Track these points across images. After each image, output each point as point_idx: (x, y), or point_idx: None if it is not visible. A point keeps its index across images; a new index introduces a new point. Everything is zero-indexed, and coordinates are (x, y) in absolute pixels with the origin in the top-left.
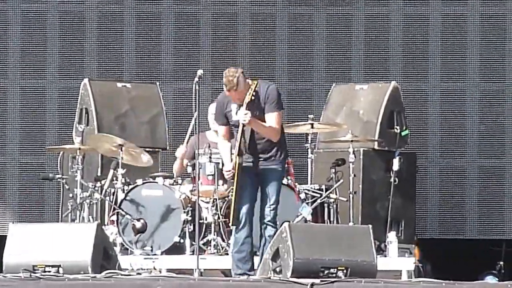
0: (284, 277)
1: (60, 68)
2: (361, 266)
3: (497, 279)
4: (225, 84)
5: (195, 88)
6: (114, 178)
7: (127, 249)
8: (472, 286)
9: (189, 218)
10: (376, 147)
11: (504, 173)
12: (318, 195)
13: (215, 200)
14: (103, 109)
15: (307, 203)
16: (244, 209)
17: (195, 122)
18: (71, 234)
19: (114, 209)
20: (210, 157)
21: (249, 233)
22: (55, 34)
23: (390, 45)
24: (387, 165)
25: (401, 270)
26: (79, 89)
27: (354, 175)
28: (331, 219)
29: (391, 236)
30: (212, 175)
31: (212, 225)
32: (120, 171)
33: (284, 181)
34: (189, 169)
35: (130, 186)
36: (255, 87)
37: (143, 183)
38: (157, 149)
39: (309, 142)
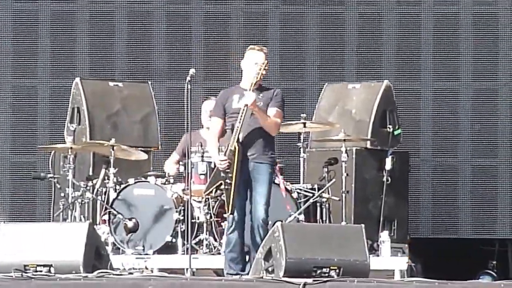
0: (277, 277)
1: (52, 67)
2: (354, 265)
3: (492, 278)
4: (253, 48)
5: (187, 87)
6: (106, 178)
7: (119, 248)
8: (465, 285)
9: (181, 218)
10: (368, 146)
11: (497, 172)
12: (311, 195)
13: (207, 200)
14: (95, 108)
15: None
16: (237, 213)
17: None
18: (63, 234)
19: (106, 208)
20: (202, 156)
21: (241, 233)
22: (47, 33)
23: (383, 44)
24: (379, 164)
25: (394, 270)
26: (70, 88)
27: (347, 174)
28: (324, 219)
29: (384, 236)
30: (204, 174)
31: (204, 224)
32: (112, 170)
33: (276, 180)
34: (181, 168)
35: (122, 186)
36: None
37: (135, 183)
38: (149, 149)
39: (302, 141)
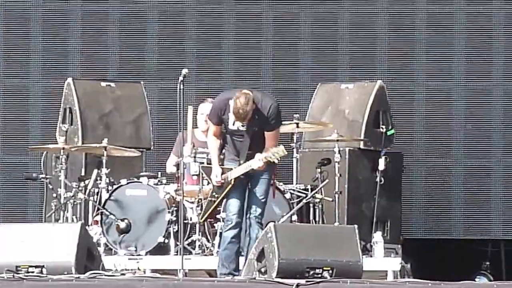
0: (269, 278)
1: (44, 67)
2: (347, 266)
3: (487, 279)
4: (234, 113)
5: (180, 87)
6: (98, 178)
7: (111, 249)
8: (458, 286)
9: (174, 218)
10: (361, 146)
11: (490, 173)
12: (304, 195)
13: (200, 200)
14: (87, 109)
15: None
16: (234, 209)
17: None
18: (55, 235)
19: (98, 209)
20: (195, 157)
21: (237, 233)
22: (39, 32)
23: (376, 44)
24: (373, 164)
25: (387, 270)
26: (62, 88)
27: (340, 175)
28: (317, 219)
29: (377, 236)
30: (196, 175)
31: (197, 225)
32: (104, 170)
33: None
34: (174, 169)
35: (114, 186)
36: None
37: (127, 183)
38: (141, 149)
39: (295, 141)
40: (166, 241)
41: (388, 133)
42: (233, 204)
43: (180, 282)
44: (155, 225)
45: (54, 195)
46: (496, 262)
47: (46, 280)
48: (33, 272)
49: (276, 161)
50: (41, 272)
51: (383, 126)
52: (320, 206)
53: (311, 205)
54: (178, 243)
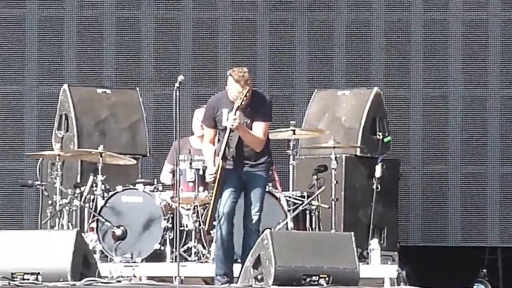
0: (266, 285)
1: (39, 74)
2: (343, 273)
3: (484, 286)
4: (238, 80)
5: (176, 94)
6: (94, 185)
7: (107, 256)
8: None
9: (170, 225)
10: (358, 153)
11: (487, 180)
12: (300, 202)
13: (196, 207)
14: (83, 115)
15: (289, 210)
16: (226, 209)
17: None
18: (51, 241)
19: (94, 216)
20: (190, 164)
21: (230, 231)
22: (34, 39)
23: (372, 51)
24: (369, 171)
25: (383, 278)
26: (58, 94)
27: (336, 182)
28: (313, 226)
29: (374, 243)
30: (192, 181)
31: (193, 232)
32: (100, 177)
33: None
34: (169, 178)
35: (110, 193)
36: (247, 92)
37: (123, 190)
38: (137, 156)
39: (291, 148)
40: (162, 248)
41: (385, 140)
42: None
43: None
44: (151, 232)
45: (50, 202)
46: (493, 269)
47: (41, 287)
48: (28, 279)
49: (240, 102)
50: (37, 279)
51: (380, 133)
52: (316, 213)
53: (307, 212)
54: (174, 250)
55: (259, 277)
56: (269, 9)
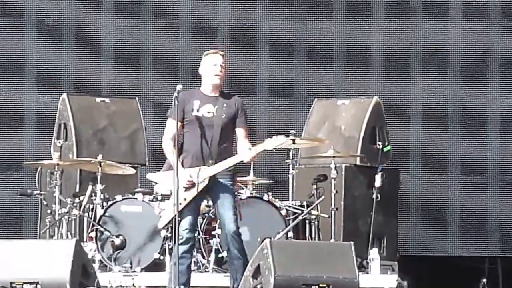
0: None
1: (38, 83)
2: (343, 283)
3: None
4: (208, 52)
5: (175, 103)
6: (93, 194)
7: (106, 266)
8: None
9: (169, 235)
10: (358, 163)
11: (487, 189)
12: (300, 212)
13: None
14: (82, 124)
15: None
16: (185, 224)
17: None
18: (50, 251)
19: (93, 225)
20: None
21: (188, 248)
22: (33, 49)
23: (372, 60)
24: (369, 181)
25: (383, 287)
26: (57, 104)
27: (336, 191)
28: (313, 236)
29: (373, 253)
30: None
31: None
32: (99, 186)
33: (265, 197)
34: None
35: (109, 202)
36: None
37: (122, 199)
38: (136, 165)
39: (291, 158)
40: (162, 257)
41: (385, 149)
42: (185, 219)
43: None
44: (150, 241)
45: (49, 211)
46: (493, 279)
47: None
48: None
49: (271, 149)
50: None
51: (380, 143)
52: (316, 222)
53: (307, 221)
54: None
55: (258, 286)
56: (269, 18)
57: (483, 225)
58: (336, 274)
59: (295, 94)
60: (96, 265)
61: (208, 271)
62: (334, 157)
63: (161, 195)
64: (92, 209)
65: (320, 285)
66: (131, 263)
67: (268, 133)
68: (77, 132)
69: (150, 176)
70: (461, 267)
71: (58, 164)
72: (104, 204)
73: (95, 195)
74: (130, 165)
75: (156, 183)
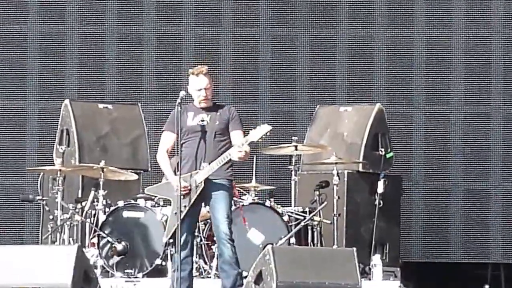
0: None
1: (41, 89)
2: None
3: None
4: (192, 72)
5: (177, 109)
6: (95, 200)
7: (108, 271)
8: None
9: (171, 241)
10: (360, 169)
11: (489, 196)
12: (302, 218)
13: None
14: (84, 130)
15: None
16: (184, 227)
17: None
18: (51, 256)
19: (95, 231)
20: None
21: (189, 253)
22: (36, 54)
23: (374, 67)
24: (371, 187)
25: None
26: (60, 109)
27: (338, 198)
28: (315, 242)
29: (376, 259)
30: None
31: (194, 247)
32: (101, 192)
33: (267, 203)
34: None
35: (111, 208)
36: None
37: (125, 205)
38: (138, 171)
39: (293, 164)
40: (163, 263)
41: (387, 155)
42: (183, 223)
43: None
44: (152, 247)
45: (51, 217)
46: (496, 286)
47: None
48: None
49: (258, 140)
50: None
51: (382, 149)
52: (318, 228)
53: (309, 227)
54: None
55: None
56: (271, 26)
57: (485, 232)
58: (339, 280)
59: (297, 101)
60: (98, 271)
61: (210, 277)
62: (336, 163)
63: (163, 200)
64: (94, 214)
65: None
66: (133, 269)
67: (271, 139)
68: (79, 138)
69: (149, 190)
70: (463, 273)
71: (60, 170)
72: (106, 210)
73: (97, 201)
74: (132, 171)
75: (155, 196)
